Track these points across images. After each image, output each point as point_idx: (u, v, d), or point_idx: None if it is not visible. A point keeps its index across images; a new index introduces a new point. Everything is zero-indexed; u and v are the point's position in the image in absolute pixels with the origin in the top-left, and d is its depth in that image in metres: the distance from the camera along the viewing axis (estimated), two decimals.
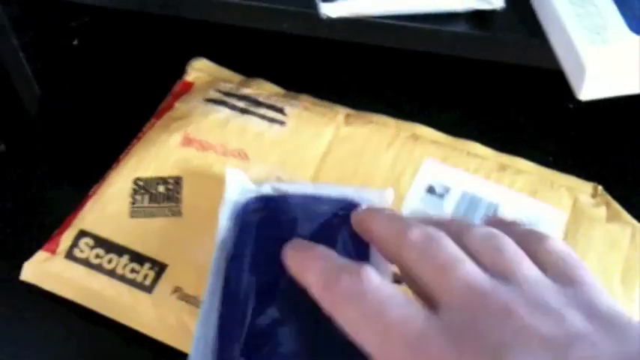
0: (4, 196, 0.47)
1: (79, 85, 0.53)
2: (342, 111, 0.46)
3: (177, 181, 0.43)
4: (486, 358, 0.22)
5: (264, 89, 0.48)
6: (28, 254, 0.41)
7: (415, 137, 0.45)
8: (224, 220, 0.38)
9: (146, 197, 0.42)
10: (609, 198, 0.43)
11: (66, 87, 0.53)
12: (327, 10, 0.36)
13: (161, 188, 0.43)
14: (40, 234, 0.42)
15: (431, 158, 0.43)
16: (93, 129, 0.50)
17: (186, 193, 0.43)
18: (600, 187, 0.43)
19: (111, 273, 0.40)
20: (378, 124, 0.45)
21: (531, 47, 0.38)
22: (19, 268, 0.41)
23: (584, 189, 0.43)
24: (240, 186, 0.39)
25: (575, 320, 0.23)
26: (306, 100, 0.47)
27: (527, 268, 0.25)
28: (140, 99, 0.50)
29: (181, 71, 0.50)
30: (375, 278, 0.26)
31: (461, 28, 0.38)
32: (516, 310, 0.23)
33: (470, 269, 0.25)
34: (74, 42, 0.54)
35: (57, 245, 0.41)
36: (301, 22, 0.38)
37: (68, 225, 0.42)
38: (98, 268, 0.40)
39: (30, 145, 0.50)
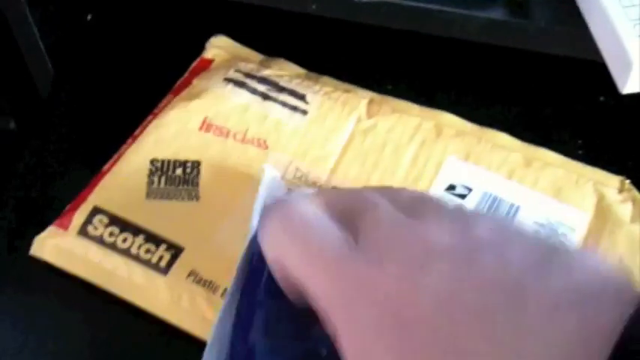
0: (16, 175, 0.45)
1: (93, 61, 0.51)
2: (365, 96, 0.45)
3: (196, 165, 0.42)
4: (402, 268, 0.23)
5: (285, 70, 0.47)
6: (40, 229, 0.40)
7: (439, 128, 0.44)
8: (255, 221, 0.36)
9: (163, 179, 0.41)
10: (636, 193, 0.42)
11: (79, 62, 0.51)
12: None
13: (179, 171, 0.42)
14: (52, 213, 0.41)
15: (453, 156, 0.42)
16: (107, 106, 0.49)
17: (204, 178, 0.42)
18: (628, 181, 0.42)
19: (125, 252, 0.39)
20: (400, 114, 0.44)
21: (569, 37, 0.37)
22: (29, 247, 0.40)
23: (610, 183, 0.42)
24: (274, 186, 0.38)
25: (482, 231, 0.24)
26: (328, 83, 0.46)
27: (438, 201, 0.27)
28: (156, 76, 0.48)
29: (199, 48, 0.49)
30: (301, 205, 0.27)
31: (496, 14, 0.37)
32: (426, 225, 0.24)
33: (384, 204, 0.26)
34: (88, 17, 0.52)
35: (70, 221, 0.40)
36: (330, 4, 0.37)
37: (82, 201, 0.41)
38: (112, 246, 0.39)
39: (42, 121, 0.49)
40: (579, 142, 0.45)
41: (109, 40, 0.52)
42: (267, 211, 0.28)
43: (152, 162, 0.42)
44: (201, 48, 0.49)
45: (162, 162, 0.42)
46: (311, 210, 0.27)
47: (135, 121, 0.45)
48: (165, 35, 0.52)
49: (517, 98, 0.49)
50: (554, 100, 0.49)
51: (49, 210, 0.42)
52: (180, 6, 0.52)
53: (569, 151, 0.43)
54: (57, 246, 0.40)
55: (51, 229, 0.40)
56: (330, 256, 0.25)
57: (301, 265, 0.26)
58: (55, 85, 0.50)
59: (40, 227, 0.41)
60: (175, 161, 0.42)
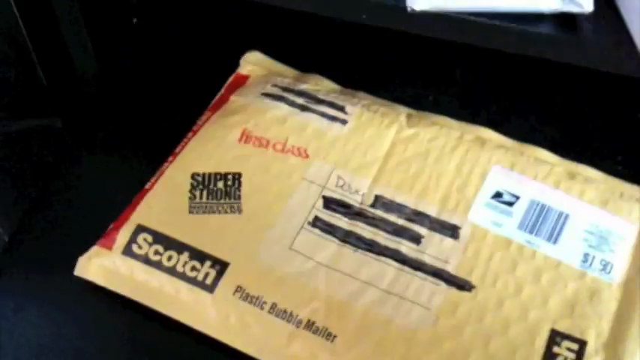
0: (57, 179, 0.46)
1: (135, 66, 0.52)
2: (403, 111, 0.45)
3: (237, 177, 0.42)
4: None
5: (321, 85, 0.47)
6: (82, 245, 0.40)
7: (481, 141, 0.43)
8: None
9: (205, 193, 0.41)
10: None
11: (123, 66, 0.52)
12: (414, 3, 0.35)
13: (220, 184, 0.41)
14: (92, 224, 0.41)
15: (498, 165, 0.42)
16: (147, 114, 0.49)
17: (246, 189, 0.41)
18: None
19: (170, 270, 0.39)
20: (441, 126, 0.44)
21: (614, 53, 0.37)
22: (72, 258, 0.40)
23: None
24: None
25: None
26: (365, 97, 0.46)
27: None
28: (196, 84, 0.49)
29: (236, 57, 0.49)
30: None
31: (547, 29, 0.36)
32: None
33: None
34: (134, 20, 0.52)
35: (114, 240, 0.40)
36: (382, 14, 0.36)
37: (125, 219, 0.41)
38: (157, 265, 0.39)
39: (85, 125, 0.49)
40: (619, 158, 0.45)
41: (152, 45, 0.53)
42: None
43: (193, 176, 0.42)
44: (237, 58, 0.49)
45: (203, 176, 0.42)
46: None
47: (173, 126, 0.45)
48: (204, 42, 0.52)
49: (557, 114, 0.49)
50: (593, 115, 0.49)
51: (88, 221, 0.42)
52: (219, 18, 0.53)
53: (607, 167, 0.43)
54: (101, 266, 0.39)
55: (94, 249, 0.40)
56: None
57: None
58: (99, 87, 0.51)
59: (82, 241, 0.40)
60: (216, 174, 0.42)
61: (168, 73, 0.51)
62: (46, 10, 0.46)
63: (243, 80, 0.48)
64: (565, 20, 0.36)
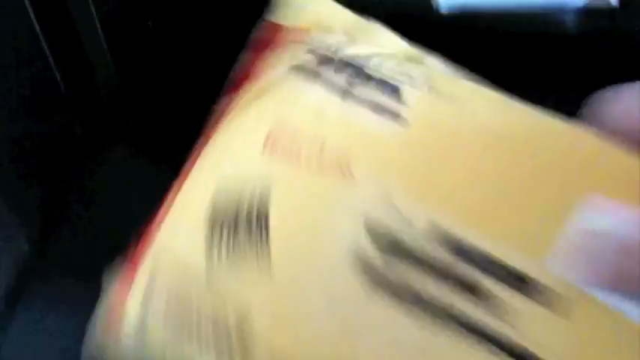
0: (77, 184, 0.46)
1: (154, 69, 0.50)
2: (487, 91, 0.32)
3: (263, 212, 0.32)
4: None
5: (379, 44, 0.35)
6: (105, 251, 0.37)
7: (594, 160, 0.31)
8: None
9: (224, 247, 0.33)
10: None
11: (140, 70, 0.50)
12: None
13: (243, 231, 0.32)
14: (115, 229, 0.40)
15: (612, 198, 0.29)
16: (167, 118, 0.49)
17: (275, 229, 0.32)
18: None
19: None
20: (540, 128, 0.31)
21: None
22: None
23: None
24: None
25: None
26: (436, 67, 0.34)
27: None
28: (217, 89, 0.40)
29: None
30: None
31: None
32: None
33: None
34: (148, 23, 0.50)
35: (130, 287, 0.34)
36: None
37: (144, 249, 0.35)
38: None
39: (105, 129, 0.49)
40: None
41: (172, 49, 0.50)
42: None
43: (211, 222, 0.33)
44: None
45: (223, 223, 0.33)
46: None
47: (196, 133, 0.38)
48: (224, 44, 0.46)
49: None
50: None
51: (109, 227, 0.42)
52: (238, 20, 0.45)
53: None
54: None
55: (105, 312, 0.35)
56: None
57: None
58: (116, 92, 0.50)
59: (101, 251, 0.38)
60: (239, 217, 0.33)
61: (189, 76, 0.49)
62: (63, 15, 0.45)
63: (271, 39, 0.37)
64: None
